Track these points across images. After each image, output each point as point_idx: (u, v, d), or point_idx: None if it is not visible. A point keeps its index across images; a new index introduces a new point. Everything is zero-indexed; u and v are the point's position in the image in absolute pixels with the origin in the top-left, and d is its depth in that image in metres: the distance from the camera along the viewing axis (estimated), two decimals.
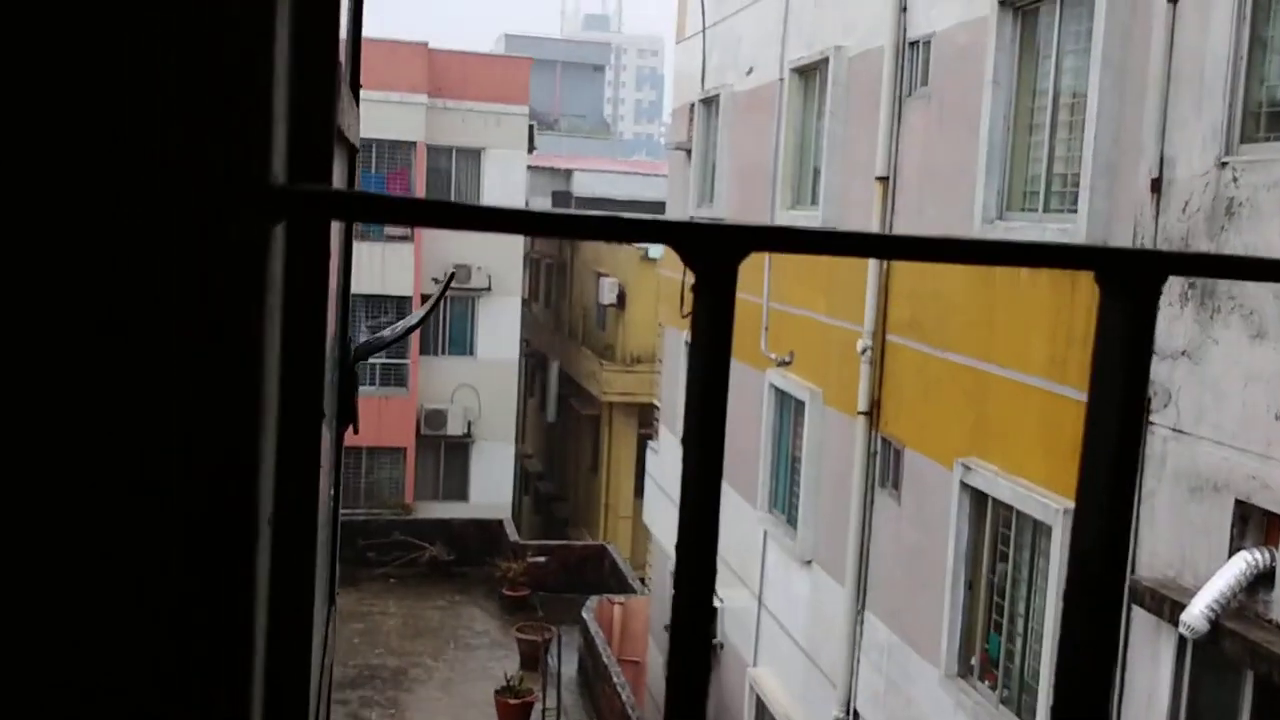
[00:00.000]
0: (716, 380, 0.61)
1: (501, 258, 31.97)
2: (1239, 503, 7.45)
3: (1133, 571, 8.29)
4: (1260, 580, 7.21)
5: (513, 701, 20.43)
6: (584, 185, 42.39)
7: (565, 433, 36.06)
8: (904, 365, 12.21)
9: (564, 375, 35.59)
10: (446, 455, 32.43)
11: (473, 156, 32.14)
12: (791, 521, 14.99)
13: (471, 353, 32.39)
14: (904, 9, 12.27)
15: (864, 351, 12.68)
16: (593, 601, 23.19)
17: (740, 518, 16.39)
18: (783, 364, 15.01)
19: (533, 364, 38.32)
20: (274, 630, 0.90)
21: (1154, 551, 8.20)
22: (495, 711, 20.63)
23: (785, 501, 15.39)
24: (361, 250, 28.13)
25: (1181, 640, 7.80)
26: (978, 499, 10.69)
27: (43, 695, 0.69)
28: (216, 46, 0.68)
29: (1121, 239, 8.60)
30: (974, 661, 10.81)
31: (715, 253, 0.62)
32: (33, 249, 0.66)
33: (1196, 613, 7.24)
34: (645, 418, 28.16)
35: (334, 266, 2.04)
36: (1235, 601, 7.23)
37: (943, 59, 11.65)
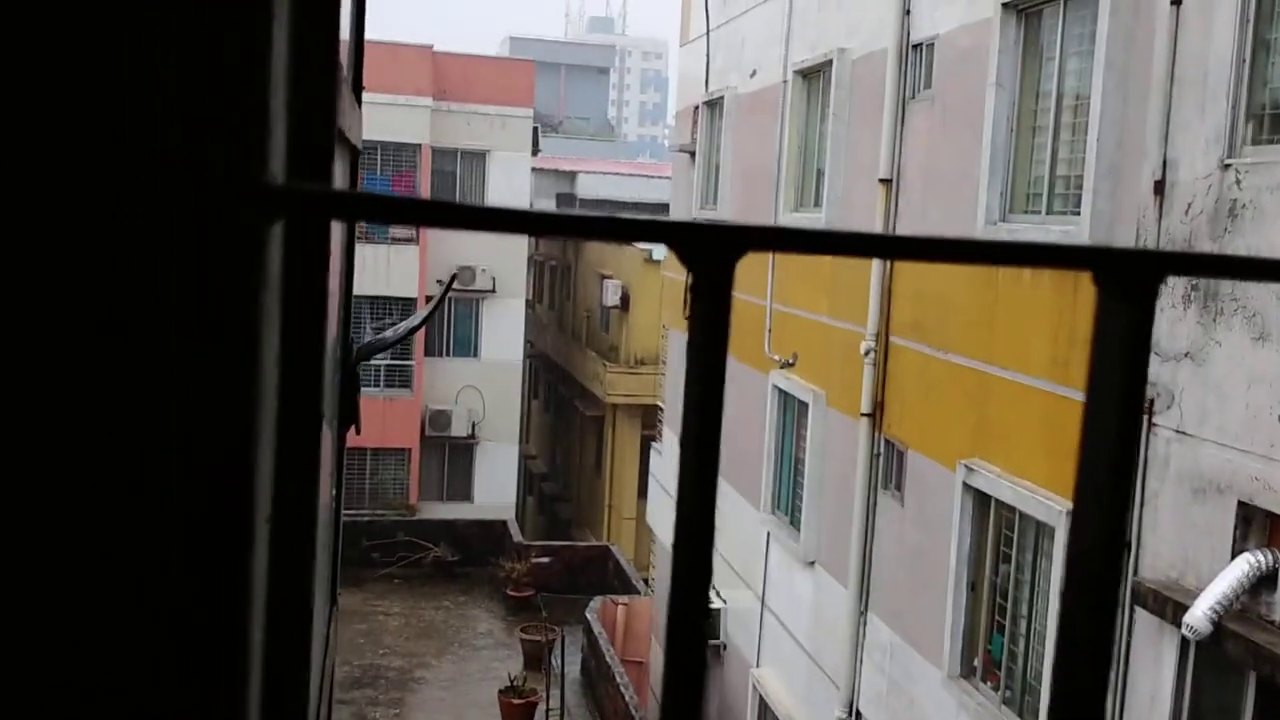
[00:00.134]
0: (713, 379, 0.61)
1: (506, 260, 32.01)
2: (1242, 504, 7.45)
3: (1136, 573, 8.29)
4: (1263, 582, 7.21)
5: (516, 702, 20.44)
6: (588, 187, 42.42)
7: (569, 434, 36.08)
8: (907, 367, 12.21)
9: (568, 377, 35.62)
10: (451, 456, 32.47)
11: (478, 159, 32.18)
12: (794, 523, 14.99)
13: (476, 354, 32.43)
14: (907, 11, 12.28)
15: (867, 353, 12.67)
16: (596, 602, 23.21)
17: (743, 519, 16.39)
18: (786, 366, 15.02)
19: (537, 365, 38.36)
20: (272, 630, 0.90)
21: (1157, 553, 8.20)
22: (499, 711, 20.64)
23: (788, 503, 15.40)
24: (366, 252, 28.19)
25: (1184, 642, 7.79)
26: (980, 500, 10.69)
27: (43, 695, 0.69)
28: (214, 46, 0.68)
29: (1124, 241, 8.59)
30: (977, 662, 10.81)
31: (712, 252, 0.62)
32: (33, 249, 0.67)
33: (1199, 614, 7.24)
34: (649, 419, 28.17)
35: (335, 267, 2.04)
36: (1238, 603, 7.22)
37: (946, 61, 11.65)
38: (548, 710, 20.30)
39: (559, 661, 20.85)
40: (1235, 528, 7.48)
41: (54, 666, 0.69)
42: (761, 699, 15.73)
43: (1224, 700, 7.78)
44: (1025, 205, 10.32)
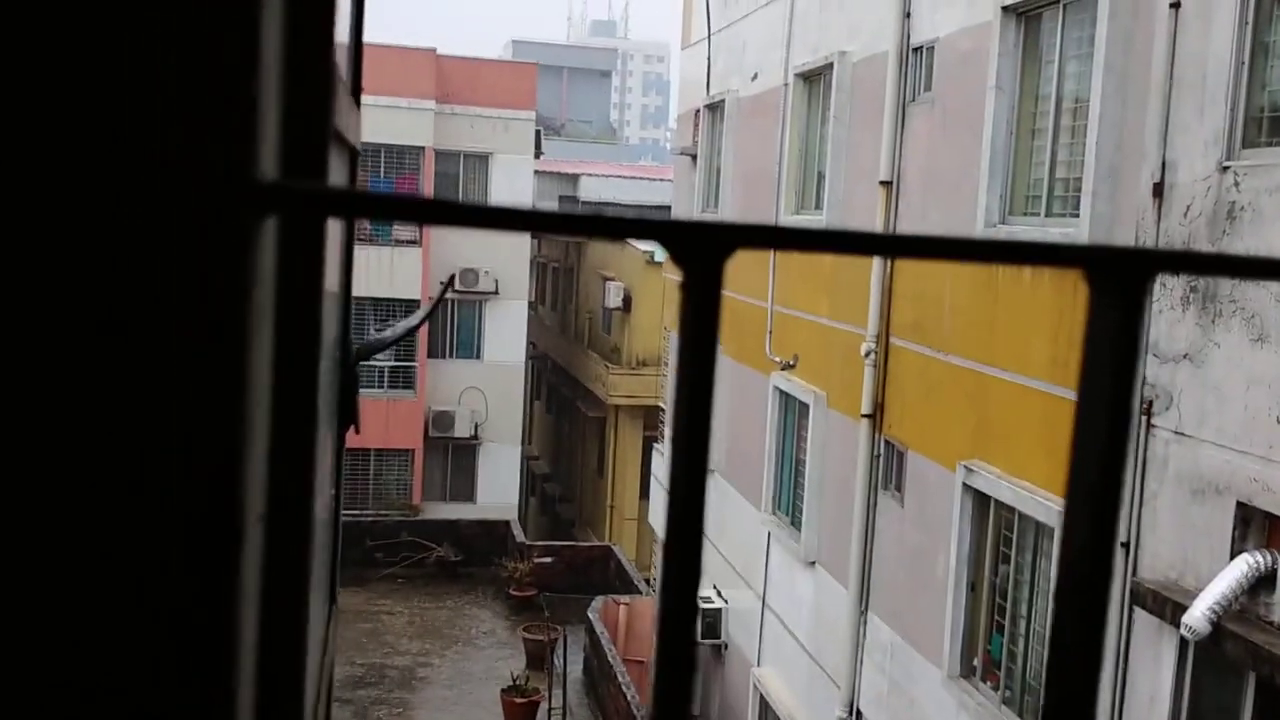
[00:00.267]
0: (702, 378, 0.61)
1: (508, 261, 32.04)
2: (1240, 505, 7.45)
3: (1135, 573, 8.29)
4: (1262, 582, 7.21)
5: (519, 701, 20.44)
6: (590, 190, 42.38)
7: (571, 435, 36.09)
8: (907, 368, 12.21)
9: (570, 378, 35.62)
10: (453, 457, 32.48)
11: (480, 161, 32.20)
12: (795, 523, 14.99)
13: (478, 355, 32.44)
14: (908, 14, 12.28)
15: (867, 354, 12.67)
16: (598, 602, 23.19)
17: (744, 519, 16.40)
18: (787, 367, 15.02)
19: (539, 367, 38.36)
20: (266, 628, 0.90)
21: (1156, 554, 8.20)
22: (502, 711, 20.65)
23: (789, 503, 15.40)
24: (370, 254, 28.23)
25: (1183, 642, 7.79)
26: (980, 501, 10.69)
27: (43, 695, 0.70)
28: (209, 45, 0.69)
29: (1123, 243, 8.60)
30: (976, 662, 10.81)
31: (702, 249, 0.63)
32: (33, 249, 0.67)
33: (1198, 615, 7.24)
34: (651, 420, 28.17)
35: (333, 267, 2.05)
36: (1237, 604, 7.22)
37: (946, 64, 11.65)
38: (550, 709, 20.30)
39: (561, 661, 20.83)
40: (1234, 528, 7.48)
41: (54, 666, 0.69)
42: (762, 698, 15.74)
43: (1223, 700, 7.78)
44: (1025, 207, 10.32)
